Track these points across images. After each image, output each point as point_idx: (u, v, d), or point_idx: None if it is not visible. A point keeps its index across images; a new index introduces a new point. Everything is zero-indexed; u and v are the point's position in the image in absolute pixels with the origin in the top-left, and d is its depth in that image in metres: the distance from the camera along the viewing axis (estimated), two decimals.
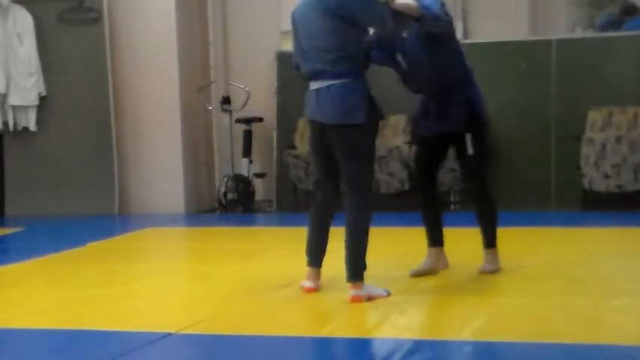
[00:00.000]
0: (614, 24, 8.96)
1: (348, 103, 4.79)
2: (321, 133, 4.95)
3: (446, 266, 5.52)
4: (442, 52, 5.23)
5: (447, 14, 5.24)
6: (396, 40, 5.25)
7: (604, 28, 9.00)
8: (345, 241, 4.84)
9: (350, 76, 4.82)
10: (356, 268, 4.79)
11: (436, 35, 5.13)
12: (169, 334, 4.17)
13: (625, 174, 8.20)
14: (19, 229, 8.53)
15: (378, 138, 5.08)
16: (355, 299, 4.74)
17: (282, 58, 9.70)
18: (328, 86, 4.83)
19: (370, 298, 4.78)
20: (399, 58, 5.32)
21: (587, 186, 8.34)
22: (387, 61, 5.38)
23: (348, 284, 4.80)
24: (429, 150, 5.48)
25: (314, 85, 4.92)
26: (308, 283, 4.98)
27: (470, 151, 5.31)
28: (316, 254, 5.02)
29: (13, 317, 4.73)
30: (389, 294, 4.86)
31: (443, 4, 5.19)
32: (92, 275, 5.96)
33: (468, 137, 5.29)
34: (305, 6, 4.95)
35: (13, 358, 3.95)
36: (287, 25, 11.10)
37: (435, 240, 5.51)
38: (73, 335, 4.30)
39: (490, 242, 5.44)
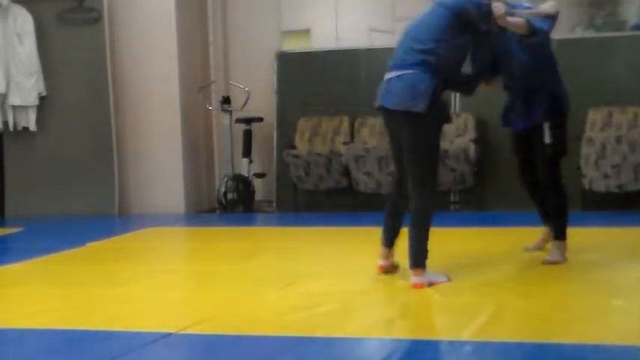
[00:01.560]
0: None
1: (413, 91, 4.87)
2: (388, 122, 5.09)
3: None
4: (535, 55, 5.42)
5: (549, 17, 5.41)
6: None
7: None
8: (408, 231, 5.01)
9: (422, 68, 4.89)
10: (417, 256, 4.97)
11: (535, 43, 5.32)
12: (169, 334, 4.16)
13: (625, 174, 8.20)
14: (19, 229, 8.53)
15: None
16: (416, 286, 4.93)
17: (282, 58, 9.71)
18: (399, 75, 4.94)
19: (431, 284, 4.95)
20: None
21: (587, 186, 8.33)
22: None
23: (411, 272, 4.98)
24: (519, 140, 5.71)
25: (388, 75, 5.02)
26: (381, 262, 5.25)
27: (547, 140, 5.46)
28: (388, 236, 5.25)
29: (13, 317, 4.72)
30: (450, 280, 5.05)
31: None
32: (92, 275, 5.96)
33: (546, 126, 5.45)
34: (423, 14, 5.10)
35: (13, 358, 3.95)
36: (287, 25, 11.09)
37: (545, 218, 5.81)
38: (73, 335, 4.30)
39: (558, 234, 5.55)
